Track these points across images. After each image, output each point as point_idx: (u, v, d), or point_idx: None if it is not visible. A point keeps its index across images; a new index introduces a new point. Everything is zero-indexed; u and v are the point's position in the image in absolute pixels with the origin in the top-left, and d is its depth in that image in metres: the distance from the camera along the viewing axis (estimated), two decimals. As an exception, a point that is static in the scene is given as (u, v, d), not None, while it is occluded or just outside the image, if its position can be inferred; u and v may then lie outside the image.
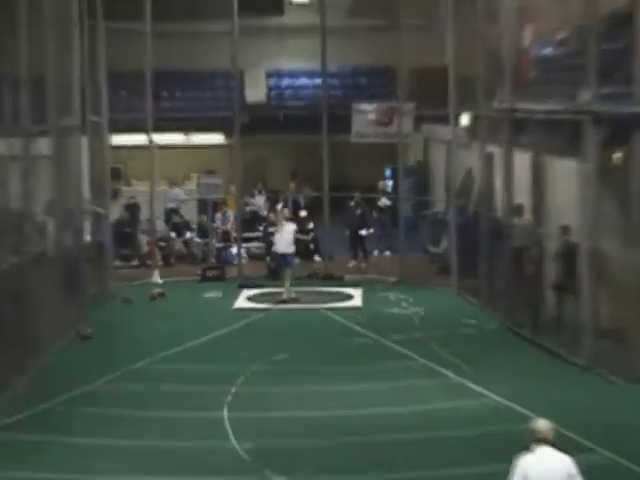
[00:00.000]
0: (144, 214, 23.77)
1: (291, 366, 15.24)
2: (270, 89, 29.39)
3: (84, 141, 19.84)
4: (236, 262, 23.10)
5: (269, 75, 29.32)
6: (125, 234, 23.71)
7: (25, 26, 14.94)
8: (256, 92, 28.56)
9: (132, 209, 24.29)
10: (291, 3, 28.20)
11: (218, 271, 22.58)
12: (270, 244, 21.80)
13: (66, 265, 17.19)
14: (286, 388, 14.08)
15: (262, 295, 20.40)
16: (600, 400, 13.23)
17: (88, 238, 20.14)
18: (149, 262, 22.77)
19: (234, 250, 23.52)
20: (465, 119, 20.48)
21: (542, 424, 7.88)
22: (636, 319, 13.58)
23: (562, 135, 15.72)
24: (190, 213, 25.15)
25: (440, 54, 20.43)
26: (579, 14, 15.11)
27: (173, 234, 24.42)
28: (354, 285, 21.14)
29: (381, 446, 11.79)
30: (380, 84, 26.65)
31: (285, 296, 19.74)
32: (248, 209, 25.62)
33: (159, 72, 22.67)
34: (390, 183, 25.55)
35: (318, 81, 24.69)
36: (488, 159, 19.08)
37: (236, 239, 23.55)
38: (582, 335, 14.61)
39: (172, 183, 25.49)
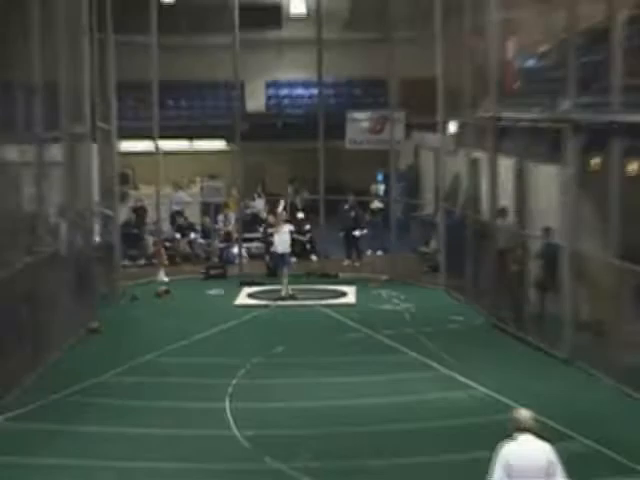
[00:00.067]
0: (150, 216, 23.77)
1: (289, 359, 15.25)
2: (269, 99, 29.45)
3: (94, 147, 19.84)
4: (237, 261, 23.14)
5: (268, 85, 29.36)
6: (133, 235, 23.69)
7: (38, 37, 14.89)
8: (256, 101, 28.64)
9: (139, 211, 24.29)
10: (289, 17, 28.20)
11: (220, 270, 22.58)
12: (269, 244, 21.83)
13: (77, 264, 17.18)
14: (285, 380, 14.09)
15: (262, 292, 20.42)
16: (580, 391, 13.26)
17: (98, 239, 20.13)
18: (155, 261, 22.77)
19: (235, 250, 23.53)
20: (453, 127, 20.47)
21: (523, 413, 7.85)
22: (613, 315, 13.60)
23: (544, 142, 15.73)
24: (194, 215, 25.12)
25: (429, 66, 20.42)
26: (560, 29, 15.15)
27: (178, 235, 24.42)
28: (348, 283, 21.17)
29: (375, 434, 11.80)
30: (373, 94, 26.67)
31: (283, 293, 19.76)
32: (248, 211, 25.61)
33: (165, 82, 22.65)
34: (382, 187, 25.55)
35: (314, 91, 24.71)
36: (474, 164, 19.09)
37: (237, 239, 23.57)
38: (563, 330, 14.64)
39: (177, 187, 25.46)
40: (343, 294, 20.17)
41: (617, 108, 12.99)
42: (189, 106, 28.63)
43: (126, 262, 22.71)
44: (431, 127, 21.27)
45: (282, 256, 20.08)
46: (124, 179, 24.04)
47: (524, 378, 13.87)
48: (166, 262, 22.90)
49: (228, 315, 18.31)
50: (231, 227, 24.23)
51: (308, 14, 26.69)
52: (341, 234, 23.37)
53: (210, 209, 24.25)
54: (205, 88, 28.42)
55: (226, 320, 17.85)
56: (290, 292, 19.78)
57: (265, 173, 28.48)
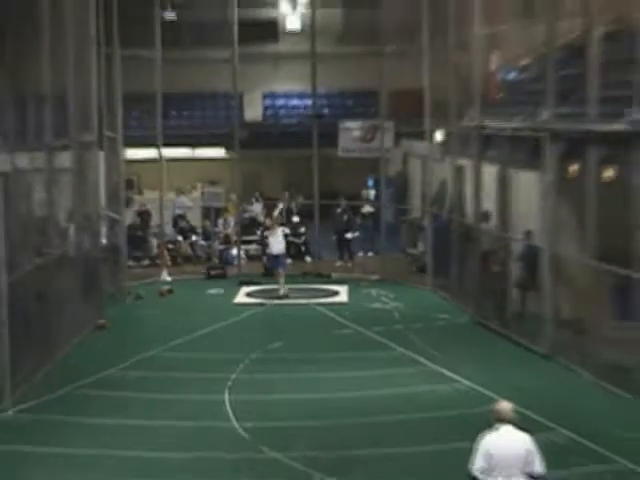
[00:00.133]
0: (154, 220, 23.76)
1: (286, 354, 15.25)
2: (266, 109, 29.47)
3: (101, 155, 19.83)
4: (236, 262, 23.12)
5: (265, 96, 29.38)
6: (137, 237, 23.67)
7: (48, 50, 14.88)
8: (254, 111, 28.65)
9: (144, 215, 24.28)
10: (285, 32, 28.21)
11: (220, 270, 22.58)
12: (265, 246, 21.83)
13: (85, 265, 17.16)
14: (282, 374, 14.08)
15: (259, 291, 20.41)
16: (559, 385, 13.27)
17: (104, 241, 20.11)
18: (159, 262, 22.78)
19: (234, 251, 23.51)
20: (439, 135, 20.48)
21: (504, 405, 7.85)
22: (590, 313, 13.61)
23: (525, 150, 15.75)
24: (195, 219, 25.08)
25: (417, 78, 20.44)
26: (540, 43, 15.17)
27: (180, 237, 24.41)
28: (341, 283, 21.17)
29: (367, 425, 11.81)
30: (364, 104, 26.65)
31: (281, 292, 19.75)
32: (247, 215, 25.56)
33: (168, 94, 22.66)
34: (373, 192, 25.53)
35: (309, 102, 24.67)
36: (459, 171, 19.10)
37: (236, 242, 23.55)
38: (543, 328, 14.65)
39: (179, 192, 25.42)
40: (336, 293, 20.17)
41: (593, 118, 13.03)
42: (191, 116, 28.63)
43: (131, 263, 22.69)
44: (419, 136, 21.28)
45: (277, 257, 20.09)
46: (129, 185, 24.03)
47: (506, 372, 13.88)
48: (169, 263, 22.92)
49: (228, 313, 18.30)
50: (230, 230, 24.22)
51: (303, 29, 26.75)
52: (334, 237, 23.38)
53: (210, 213, 24.24)
54: (206, 99, 28.44)
55: (226, 318, 17.84)
56: (286, 291, 19.75)
57: (262, 179, 28.43)
